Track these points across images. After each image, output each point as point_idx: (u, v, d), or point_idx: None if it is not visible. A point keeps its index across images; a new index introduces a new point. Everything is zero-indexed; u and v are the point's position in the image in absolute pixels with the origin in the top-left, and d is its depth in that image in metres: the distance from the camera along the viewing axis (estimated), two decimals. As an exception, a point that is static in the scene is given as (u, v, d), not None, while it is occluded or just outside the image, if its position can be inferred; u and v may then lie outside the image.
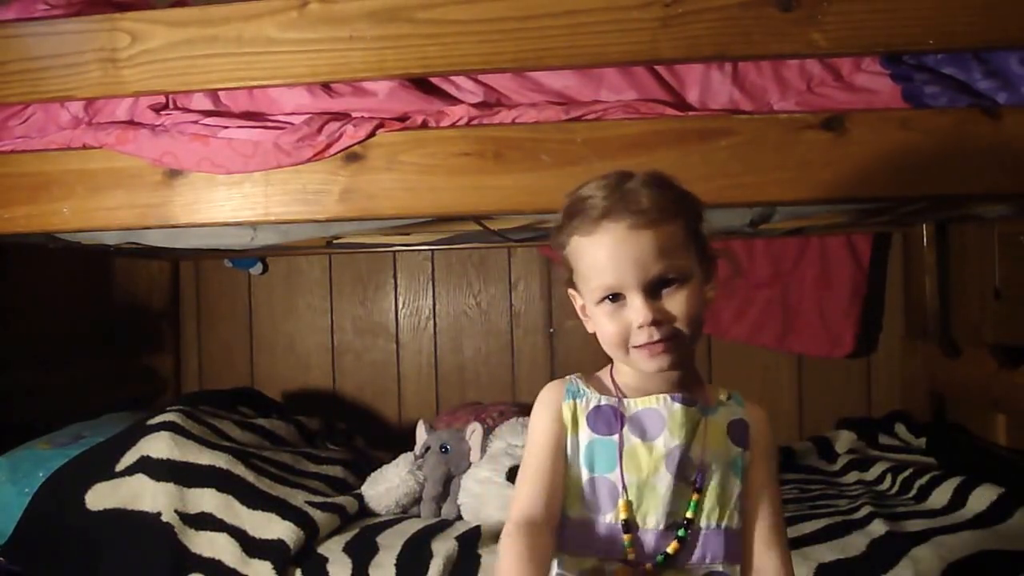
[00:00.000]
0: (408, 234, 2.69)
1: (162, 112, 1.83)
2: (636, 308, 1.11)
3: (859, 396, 3.04)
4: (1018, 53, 1.58)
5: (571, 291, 1.24)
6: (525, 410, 2.44)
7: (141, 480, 2.04)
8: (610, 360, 1.23)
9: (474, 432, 2.29)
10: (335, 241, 2.74)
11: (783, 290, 2.99)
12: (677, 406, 1.16)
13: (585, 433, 1.18)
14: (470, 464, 2.24)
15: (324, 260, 3.31)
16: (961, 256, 2.74)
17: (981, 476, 2.04)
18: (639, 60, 1.60)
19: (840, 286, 2.96)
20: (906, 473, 2.26)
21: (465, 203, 1.70)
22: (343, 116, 1.76)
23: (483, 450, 2.26)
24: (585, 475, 1.16)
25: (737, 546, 1.18)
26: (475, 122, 1.70)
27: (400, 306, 3.29)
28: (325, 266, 3.32)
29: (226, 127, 1.77)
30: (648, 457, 1.15)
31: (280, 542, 1.92)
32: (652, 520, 1.13)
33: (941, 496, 2.06)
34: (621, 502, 1.14)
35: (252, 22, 1.63)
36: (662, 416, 1.16)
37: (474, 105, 1.73)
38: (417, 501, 2.23)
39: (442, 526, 2.06)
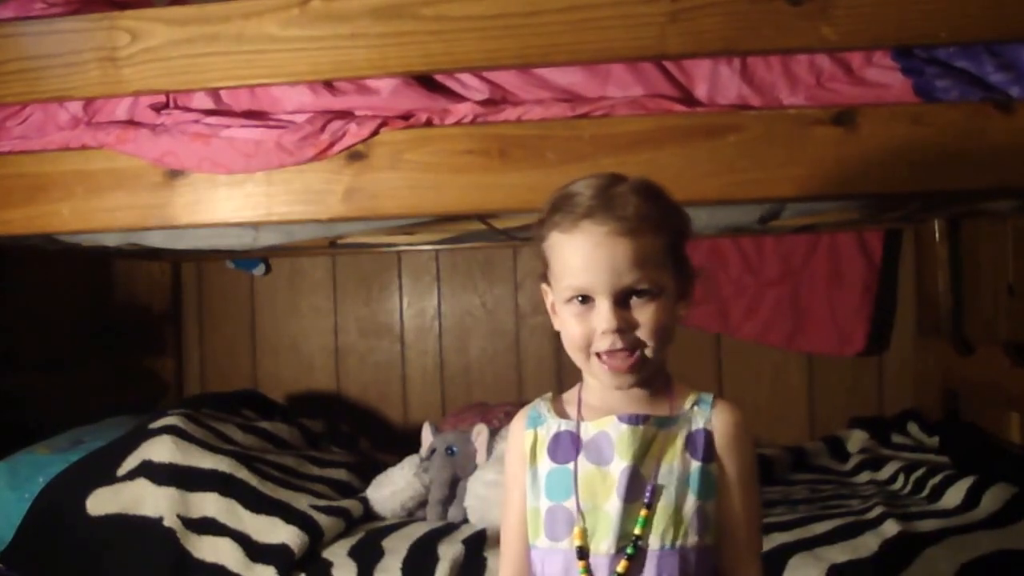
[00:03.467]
0: (412, 233, 2.67)
1: (162, 111, 1.81)
2: (602, 313, 1.10)
3: (871, 395, 3.01)
4: (1031, 46, 1.56)
5: (544, 286, 1.22)
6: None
7: (142, 485, 2.03)
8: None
9: (480, 434, 2.26)
10: (339, 241, 2.72)
11: (793, 288, 2.97)
12: (624, 427, 1.14)
13: (545, 463, 1.18)
14: (476, 466, 2.22)
15: (327, 260, 3.29)
16: (974, 252, 2.72)
17: (995, 475, 2.03)
18: (646, 56, 1.59)
19: (851, 283, 2.94)
20: (919, 472, 2.25)
21: (470, 202, 1.69)
22: (346, 114, 1.74)
23: (489, 452, 2.24)
24: (546, 504, 1.17)
25: (700, 565, 1.13)
26: (480, 120, 1.69)
27: (405, 306, 3.27)
28: (328, 266, 3.30)
29: (227, 126, 1.76)
30: (603, 483, 1.14)
31: (284, 547, 1.90)
32: (604, 545, 1.12)
33: (954, 496, 2.04)
34: (577, 529, 1.13)
35: (253, 20, 1.62)
36: (611, 439, 1.15)
37: (479, 103, 1.71)
38: (423, 504, 2.21)
39: (448, 529, 2.05)
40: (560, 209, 1.13)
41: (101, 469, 2.09)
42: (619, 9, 1.52)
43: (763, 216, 2.08)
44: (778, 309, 2.98)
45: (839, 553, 1.77)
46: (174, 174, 1.77)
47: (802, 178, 1.60)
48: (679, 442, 1.15)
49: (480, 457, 2.24)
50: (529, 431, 1.21)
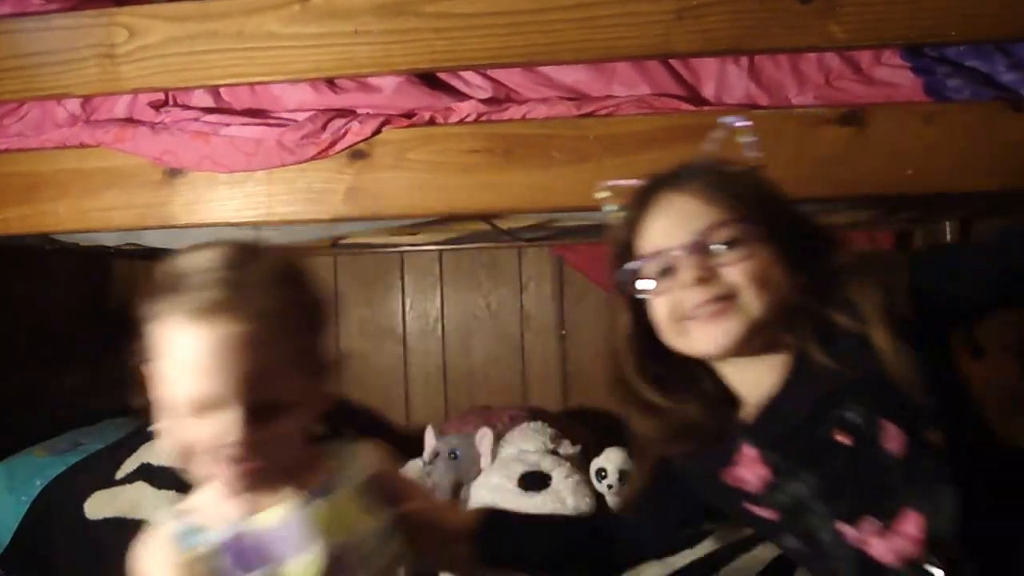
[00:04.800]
0: (416, 234, 2.65)
1: (162, 109, 1.80)
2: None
3: (879, 399, 2.97)
4: (1043, 45, 1.54)
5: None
6: (536, 414, 2.41)
7: (142, 488, 2.02)
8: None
9: (484, 437, 2.25)
10: (340, 241, 2.70)
11: (801, 290, 2.94)
12: (301, 511, 1.02)
13: None
14: (480, 470, 2.21)
15: (329, 261, 3.27)
16: (986, 254, 2.70)
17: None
18: (652, 54, 1.58)
19: (860, 285, 2.90)
20: (927, 478, 2.22)
21: (474, 202, 1.67)
22: (348, 113, 1.72)
23: (493, 456, 2.22)
24: None
25: None
26: (484, 118, 1.67)
27: (407, 308, 3.25)
28: (330, 267, 3.27)
29: (228, 124, 1.74)
30: None
31: (284, 551, 1.88)
32: None
33: (964, 502, 2.02)
34: None
35: (253, 16, 1.60)
36: (292, 529, 1.01)
37: (483, 101, 1.69)
38: (425, 508, 2.19)
39: (451, 534, 2.02)
40: (176, 291, 0.95)
41: (100, 472, 2.08)
42: (625, 7, 1.51)
43: (771, 217, 2.06)
44: (785, 311, 2.95)
45: (847, 560, 1.75)
46: (173, 173, 1.75)
47: (810, 179, 1.58)
48: (357, 500, 1.07)
49: (484, 461, 2.22)
50: (187, 554, 1.00)
